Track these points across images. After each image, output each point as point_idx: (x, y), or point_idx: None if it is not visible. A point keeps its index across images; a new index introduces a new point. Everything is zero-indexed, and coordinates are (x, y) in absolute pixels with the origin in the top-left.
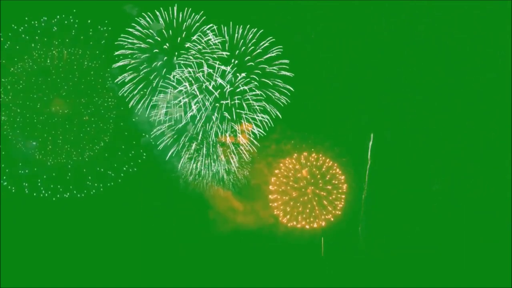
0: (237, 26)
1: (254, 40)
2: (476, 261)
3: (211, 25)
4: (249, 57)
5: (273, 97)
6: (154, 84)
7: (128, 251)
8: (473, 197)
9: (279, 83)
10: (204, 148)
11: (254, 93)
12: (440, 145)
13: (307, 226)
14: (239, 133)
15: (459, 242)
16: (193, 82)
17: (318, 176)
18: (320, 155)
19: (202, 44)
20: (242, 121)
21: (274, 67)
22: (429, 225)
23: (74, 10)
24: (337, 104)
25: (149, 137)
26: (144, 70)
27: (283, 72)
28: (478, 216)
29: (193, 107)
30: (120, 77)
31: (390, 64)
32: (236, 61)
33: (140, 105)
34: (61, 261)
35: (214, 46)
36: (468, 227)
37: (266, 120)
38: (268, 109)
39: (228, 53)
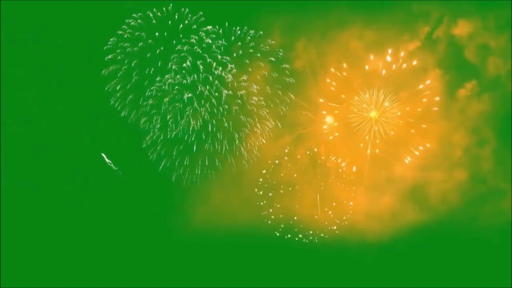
0: (234, 27)
1: (252, 44)
2: (476, 261)
3: (209, 27)
4: (247, 60)
5: (271, 105)
6: (147, 93)
7: (128, 252)
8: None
9: (278, 88)
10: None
11: (254, 96)
12: None
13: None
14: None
15: (458, 242)
16: (188, 86)
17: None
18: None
19: (197, 48)
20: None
21: (275, 73)
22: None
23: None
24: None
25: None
26: (135, 77)
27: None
28: (478, 216)
29: (188, 112)
30: (110, 84)
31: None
32: (233, 65)
33: (132, 115)
34: (60, 261)
35: (210, 49)
36: (467, 228)
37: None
38: (268, 117)
39: (227, 58)
